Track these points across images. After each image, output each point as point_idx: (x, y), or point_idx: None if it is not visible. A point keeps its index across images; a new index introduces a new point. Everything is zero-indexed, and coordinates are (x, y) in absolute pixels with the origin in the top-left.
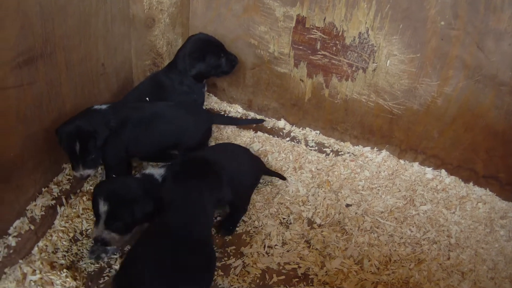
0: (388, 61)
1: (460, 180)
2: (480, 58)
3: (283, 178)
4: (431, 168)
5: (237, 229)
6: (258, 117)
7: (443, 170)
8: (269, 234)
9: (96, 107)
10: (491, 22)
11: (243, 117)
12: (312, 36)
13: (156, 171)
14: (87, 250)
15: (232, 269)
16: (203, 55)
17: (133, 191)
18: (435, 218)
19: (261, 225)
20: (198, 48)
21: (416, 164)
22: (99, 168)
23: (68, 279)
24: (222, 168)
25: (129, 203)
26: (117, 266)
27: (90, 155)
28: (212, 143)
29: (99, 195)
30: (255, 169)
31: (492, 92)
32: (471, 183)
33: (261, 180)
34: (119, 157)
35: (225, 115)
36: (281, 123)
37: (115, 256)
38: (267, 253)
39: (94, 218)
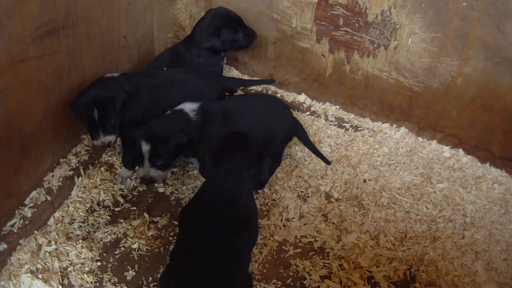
0: (410, 39)
1: (477, 160)
2: (500, 40)
3: (327, 162)
4: (448, 147)
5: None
6: (279, 91)
7: (460, 149)
8: (287, 207)
9: (108, 75)
10: None
11: (263, 92)
12: (335, 12)
13: (187, 106)
14: (107, 217)
15: None
16: (218, 30)
17: (169, 128)
18: (451, 196)
19: (279, 198)
20: (214, 23)
21: (434, 142)
22: (117, 139)
23: (83, 250)
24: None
25: (168, 139)
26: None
27: (110, 121)
28: None
29: (140, 137)
30: (290, 126)
31: (511, 74)
32: (487, 164)
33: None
34: (137, 122)
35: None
36: (302, 97)
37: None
38: (284, 225)
39: (138, 160)
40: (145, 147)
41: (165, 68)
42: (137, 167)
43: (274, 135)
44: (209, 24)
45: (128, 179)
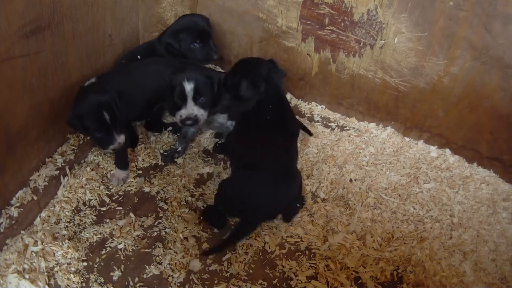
0: (396, 39)
1: (464, 160)
2: (487, 40)
3: (310, 133)
4: (435, 147)
5: None
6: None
7: (447, 149)
8: None
9: (88, 83)
10: (499, 6)
11: None
12: (320, 11)
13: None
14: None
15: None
16: (178, 33)
17: (207, 70)
18: (438, 196)
19: None
20: (178, 25)
21: (420, 142)
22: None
23: (69, 250)
24: None
25: (208, 77)
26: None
27: (118, 119)
28: None
29: (182, 78)
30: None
31: (498, 74)
32: (475, 164)
33: None
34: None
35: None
36: (287, 97)
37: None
38: (270, 226)
39: (180, 102)
40: (188, 86)
41: (138, 56)
42: (178, 111)
43: None
44: (174, 24)
45: (119, 182)
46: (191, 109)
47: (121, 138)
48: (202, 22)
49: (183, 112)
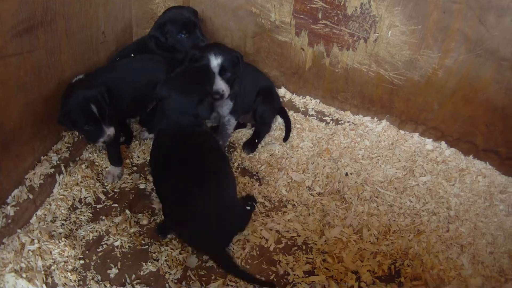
0: (390, 32)
1: (460, 152)
2: (482, 32)
3: (285, 139)
4: (431, 140)
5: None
6: None
7: (443, 142)
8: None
9: (75, 79)
10: None
11: None
12: (313, 5)
13: None
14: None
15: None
16: (164, 24)
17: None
18: (434, 189)
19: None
20: (165, 17)
21: (416, 135)
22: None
23: (66, 248)
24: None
25: (232, 53)
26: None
27: (107, 112)
28: None
29: (210, 53)
30: (277, 101)
31: (492, 66)
32: (471, 156)
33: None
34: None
35: None
36: (282, 91)
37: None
38: (266, 222)
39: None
40: (215, 61)
41: (132, 55)
42: None
43: None
44: (160, 18)
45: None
46: (219, 84)
47: (110, 130)
48: (187, 13)
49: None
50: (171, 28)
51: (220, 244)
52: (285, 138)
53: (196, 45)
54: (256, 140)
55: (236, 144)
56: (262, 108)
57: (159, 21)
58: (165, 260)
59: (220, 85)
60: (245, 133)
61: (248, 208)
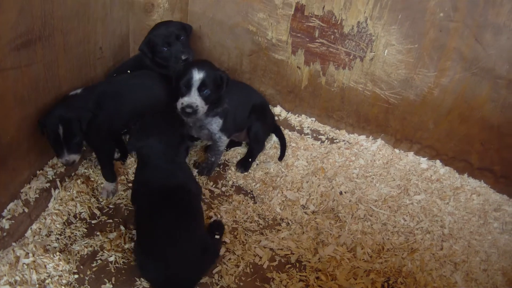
0: (386, 51)
1: (455, 171)
2: (478, 51)
3: (280, 158)
4: (426, 158)
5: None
6: None
7: (437, 161)
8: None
9: (72, 93)
10: (490, 16)
11: None
12: (310, 24)
13: None
14: (84, 229)
15: (224, 257)
16: (149, 38)
17: (221, 70)
18: (428, 208)
19: None
20: (151, 31)
21: (411, 154)
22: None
23: (60, 262)
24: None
25: (220, 77)
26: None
27: (75, 139)
28: None
29: (193, 67)
30: (271, 119)
31: (488, 85)
32: (465, 175)
33: (257, 164)
34: (103, 136)
35: None
36: (277, 109)
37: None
38: (260, 240)
39: (184, 90)
40: (197, 76)
41: (128, 71)
42: (181, 98)
43: None
44: (149, 32)
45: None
46: (194, 98)
47: (70, 157)
48: (171, 27)
49: (186, 100)
50: (155, 42)
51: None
52: (280, 157)
53: (177, 58)
54: (250, 159)
55: (230, 163)
56: (256, 125)
57: (146, 36)
58: None
59: (195, 99)
60: (240, 152)
61: (217, 237)
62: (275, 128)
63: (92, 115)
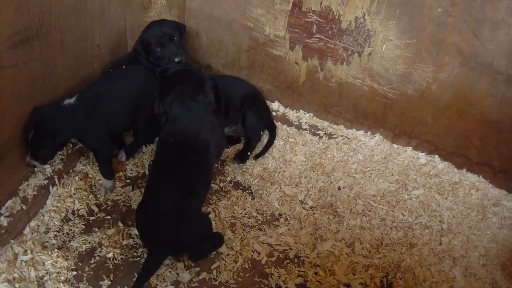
0: (384, 46)
1: (453, 166)
2: (476, 46)
3: (259, 155)
4: (424, 153)
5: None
6: None
7: (436, 156)
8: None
9: (65, 102)
10: (488, 11)
11: None
12: (308, 19)
13: None
14: (82, 226)
15: (222, 253)
16: (142, 38)
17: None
18: (427, 203)
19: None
20: (144, 30)
21: (409, 149)
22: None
23: (59, 259)
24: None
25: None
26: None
27: (40, 150)
28: None
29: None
30: (267, 111)
31: (487, 80)
32: (464, 170)
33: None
34: (101, 138)
35: None
36: (275, 105)
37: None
38: (258, 236)
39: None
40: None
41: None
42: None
43: None
44: (143, 31)
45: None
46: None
47: (30, 162)
48: (165, 27)
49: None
50: (148, 42)
51: (162, 245)
52: (259, 154)
53: (170, 59)
54: (248, 152)
55: (228, 159)
56: (249, 114)
57: (140, 35)
58: (157, 274)
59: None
60: (240, 148)
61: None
62: (270, 123)
63: (69, 135)
